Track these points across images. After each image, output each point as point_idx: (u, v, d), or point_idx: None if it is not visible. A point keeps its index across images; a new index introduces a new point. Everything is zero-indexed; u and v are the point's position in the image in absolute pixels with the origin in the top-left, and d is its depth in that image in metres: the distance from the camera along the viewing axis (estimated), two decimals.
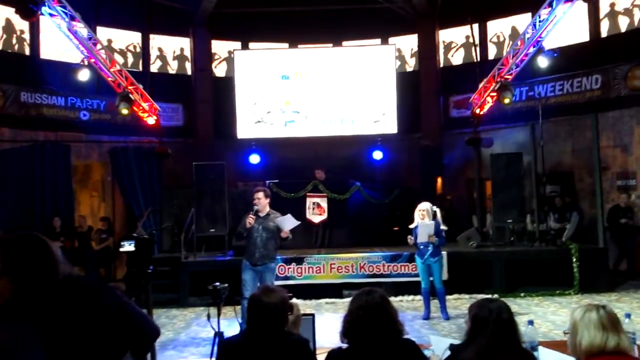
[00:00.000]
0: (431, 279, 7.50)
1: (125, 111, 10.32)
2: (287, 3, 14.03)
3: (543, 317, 7.43)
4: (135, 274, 2.64)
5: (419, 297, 8.78)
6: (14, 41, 12.17)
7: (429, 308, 7.55)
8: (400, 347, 2.41)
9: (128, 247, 8.04)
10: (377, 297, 2.45)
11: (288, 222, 6.36)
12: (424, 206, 7.35)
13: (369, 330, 2.37)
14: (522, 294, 8.89)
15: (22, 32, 12.18)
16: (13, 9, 9.56)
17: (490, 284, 9.05)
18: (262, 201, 6.50)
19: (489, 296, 8.35)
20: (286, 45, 14.59)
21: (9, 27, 12.00)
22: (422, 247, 7.31)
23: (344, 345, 2.44)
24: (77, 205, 11.88)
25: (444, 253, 8.88)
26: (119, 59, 12.17)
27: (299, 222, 6.52)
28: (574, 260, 8.99)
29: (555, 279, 9.08)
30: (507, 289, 8.97)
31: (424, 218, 7.25)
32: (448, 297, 8.77)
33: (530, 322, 3.04)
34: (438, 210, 7.46)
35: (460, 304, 8.51)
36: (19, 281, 1.81)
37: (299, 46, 14.41)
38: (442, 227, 7.39)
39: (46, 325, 1.75)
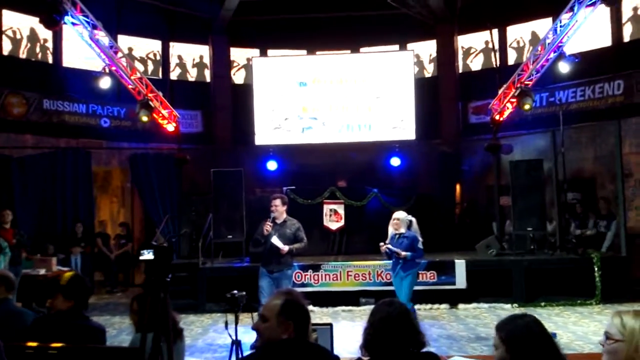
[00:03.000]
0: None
1: (145, 118, 10.43)
2: (305, 10, 14.12)
3: (564, 327, 7.29)
4: (153, 283, 2.63)
5: (436, 305, 8.73)
6: (38, 50, 12.41)
7: None
8: (422, 359, 2.36)
9: (147, 255, 8.10)
10: (399, 308, 2.39)
11: (275, 242, 6.36)
12: (399, 215, 6.74)
13: (391, 343, 2.31)
14: (543, 304, 8.73)
15: (45, 40, 12.42)
16: (37, 19, 9.74)
17: (510, 293, 8.91)
18: (279, 208, 6.52)
19: (515, 311, 8.27)
20: (304, 52, 14.64)
21: (33, 36, 12.24)
22: (393, 259, 6.71)
23: (365, 358, 2.39)
24: (97, 210, 12.04)
25: (461, 261, 8.84)
26: (139, 66, 12.34)
27: (281, 245, 6.35)
28: (596, 269, 8.81)
29: (576, 288, 8.91)
30: (527, 298, 8.82)
31: (399, 228, 6.64)
32: (467, 305, 8.72)
33: (554, 335, 2.97)
34: (414, 220, 6.80)
35: (479, 313, 8.39)
36: None
37: (317, 53, 14.45)
38: (419, 238, 6.71)
39: None
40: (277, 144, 13.22)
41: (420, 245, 6.67)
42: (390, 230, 6.75)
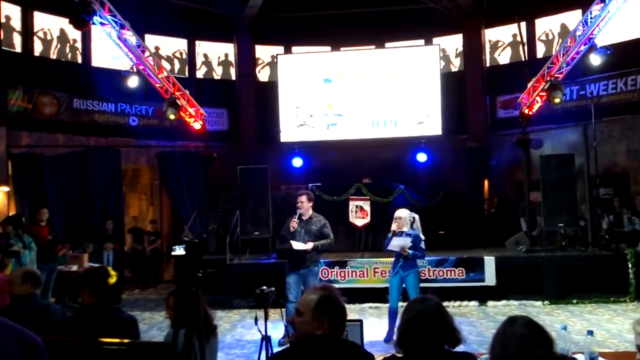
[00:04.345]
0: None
1: (172, 116, 10.54)
2: (329, 6, 14.09)
3: (597, 325, 7.12)
4: (185, 278, 2.67)
5: (465, 302, 8.63)
6: (67, 50, 12.66)
7: (393, 330, 6.17)
8: (457, 358, 2.32)
9: (179, 251, 8.19)
10: (433, 305, 2.34)
11: (296, 245, 6.35)
12: (401, 214, 6.48)
13: (424, 340, 2.28)
14: (575, 301, 8.55)
15: (74, 41, 12.67)
16: (67, 20, 9.92)
17: (541, 290, 8.74)
18: (305, 205, 6.50)
19: (546, 309, 8.12)
20: (329, 48, 14.61)
21: (62, 36, 12.50)
22: (395, 257, 6.52)
23: (399, 355, 2.37)
24: (127, 208, 12.22)
25: (490, 258, 8.70)
26: (166, 65, 12.46)
27: (304, 247, 6.33)
28: (630, 265, 8.58)
29: (609, 285, 8.70)
30: (558, 295, 8.65)
31: (402, 227, 6.40)
32: (496, 303, 8.59)
33: (590, 332, 2.90)
34: (417, 217, 6.59)
35: (508, 310, 8.26)
36: None
37: (342, 49, 14.39)
38: (422, 236, 6.50)
39: None
40: (302, 140, 13.24)
41: (422, 245, 6.47)
42: (393, 228, 6.52)
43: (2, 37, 11.35)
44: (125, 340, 3.02)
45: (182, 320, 2.87)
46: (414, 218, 6.53)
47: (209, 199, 11.18)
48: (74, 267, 8.56)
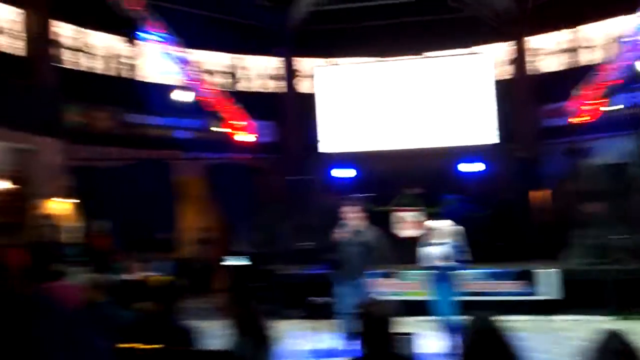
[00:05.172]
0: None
1: (219, 129, 10.73)
2: (371, 17, 14.13)
3: None
4: (242, 288, 2.76)
5: (522, 316, 8.33)
6: (120, 66, 13.12)
7: (450, 342, 6.17)
8: None
9: (230, 261, 8.31)
10: (492, 322, 2.41)
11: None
12: (440, 224, 6.53)
13: (487, 356, 2.30)
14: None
15: (126, 57, 13.11)
16: (119, 37, 10.29)
17: (601, 304, 8.36)
18: (352, 215, 6.50)
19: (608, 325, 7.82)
20: (372, 58, 14.63)
21: (114, 53, 12.95)
22: (430, 270, 6.55)
23: None
24: (178, 219, 12.48)
25: (547, 271, 8.38)
26: (212, 79, 12.73)
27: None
28: None
29: None
30: (620, 309, 8.24)
31: (434, 238, 6.45)
32: (559, 317, 8.25)
33: None
34: (460, 229, 6.57)
35: (572, 326, 7.83)
36: None
37: (385, 59, 14.39)
38: (463, 248, 6.49)
39: None
40: (348, 151, 13.22)
41: (463, 257, 6.44)
42: (427, 239, 6.55)
43: (61, 55, 11.88)
44: (190, 348, 3.10)
45: (242, 329, 2.93)
46: (455, 230, 6.51)
47: (257, 210, 11.32)
48: (131, 276, 8.78)
